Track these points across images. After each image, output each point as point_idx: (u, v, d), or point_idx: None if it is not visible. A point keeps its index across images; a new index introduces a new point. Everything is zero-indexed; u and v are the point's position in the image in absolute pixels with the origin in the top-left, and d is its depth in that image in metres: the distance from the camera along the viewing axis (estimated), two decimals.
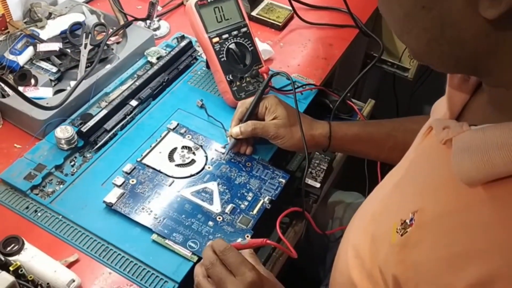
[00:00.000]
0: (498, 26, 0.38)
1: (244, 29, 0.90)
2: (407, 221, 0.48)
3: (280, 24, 1.10)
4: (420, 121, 0.80)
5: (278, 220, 0.71)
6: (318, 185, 0.86)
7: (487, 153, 0.40)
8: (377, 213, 0.57)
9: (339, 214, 0.96)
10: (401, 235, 0.48)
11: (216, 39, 0.87)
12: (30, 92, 0.85)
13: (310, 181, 0.86)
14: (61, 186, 0.76)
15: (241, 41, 0.89)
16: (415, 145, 0.58)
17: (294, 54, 1.05)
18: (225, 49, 0.87)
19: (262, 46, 0.99)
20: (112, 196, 0.73)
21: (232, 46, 0.87)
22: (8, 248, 0.65)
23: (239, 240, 0.71)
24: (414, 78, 1.39)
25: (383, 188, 0.62)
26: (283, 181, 0.81)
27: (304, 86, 0.96)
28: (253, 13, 1.11)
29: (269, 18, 1.11)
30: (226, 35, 0.88)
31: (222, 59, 0.87)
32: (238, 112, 0.82)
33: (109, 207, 0.73)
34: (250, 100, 0.82)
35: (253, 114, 0.81)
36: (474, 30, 0.39)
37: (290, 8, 1.11)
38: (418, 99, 1.84)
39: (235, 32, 0.88)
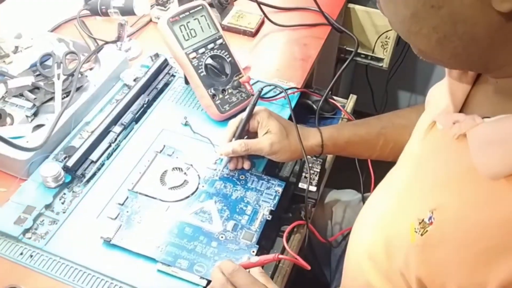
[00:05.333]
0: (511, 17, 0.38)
1: (219, 41, 0.88)
2: (426, 219, 0.47)
3: (252, 30, 1.09)
4: (406, 115, 0.81)
5: (285, 237, 0.70)
6: (314, 188, 0.85)
7: (510, 146, 0.40)
8: (388, 213, 0.56)
9: (338, 215, 0.96)
10: (421, 234, 0.47)
11: (193, 55, 0.85)
12: (7, 131, 0.82)
13: (305, 186, 0.85)
14: (54, 226, 0.73)
15: (218, 53, 0.88)
16: (418, 141, 0.57)
17: (271, 59, 1.04)
18: (203, 64, 0.86)
19: (239, 55, 0.97)
20: (109, 231, 0.71)
21: (210, 60, 0.86)
22: None
23: (245, 256, 0.70)
24: (388, 67, 1.40)
25: (389, 186, 0.61)
26: (280, 189, 0.80)
27: (287, 91, 0.94)
28: (224, 22, 1.10)
29: (241, 26, 1.10)
30: (203, 49, 0.86)
31: (202, 74, 0.86)
32: (229, 132, 0.79)
33: (108, 242, 0.70)
34: (239, 118, 0.80)
35: (243, 131, 0.79)
36: (487, 24, 0.39)
37: (260, 13, 1.10)
38: (393, 87, 1.86)
39: (211, 45, 0.87)
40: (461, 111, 0.51)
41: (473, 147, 0.44)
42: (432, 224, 0.47)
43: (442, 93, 0.53)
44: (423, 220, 0.48)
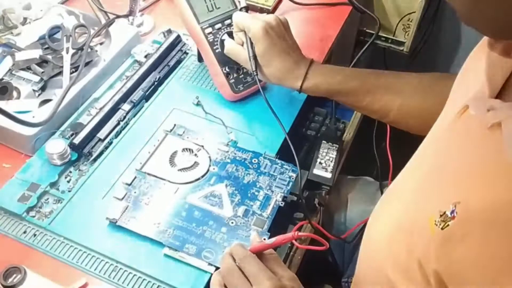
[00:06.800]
0: None
1: None
2: (448, 213, 0.44)
3: (270, 8, 1.04)
4: (409, 80, 0.77)
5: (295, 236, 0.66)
6: (329, 175, 0.81)
7: None
8: (409, 203, 0.52)
9: (354, 203, 0.92)
10: (441, 228, 0.44)
11: (208, 30, 0.81)
12: (13, 106, 0.79)
13: (320, 172, 0.82)
14: (59, 204, 0.71)
15: None
16: (446, 125, 0.52)
17: None
18: (219, 40, 0.82)
19: None
20: (115, 211, 0.68)
21: (226, 36, 0.82)
22: (10, 280, 0.61)
23: (252, 235, 0.66)
24: (409, 52, 1.35)
25: (411, 174, 0.57)
26: (294, 175, 0.76)
27: None
28: None
29: (258, 3, 1.05)
30: (219, 25, 0.82)
31: (217, 50, 0.82)
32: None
33: (113, 223, 0.68)
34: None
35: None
36: None
37: None
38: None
39: (228, 21, 0.83)
40: (498, 96, 0.46)
41: (507, 138, 0.40)
42: (454, 218, 0.43)
43: (477, 72, 0.48)
44: (444, 213, 0.44)
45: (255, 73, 0.76)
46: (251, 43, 0.76)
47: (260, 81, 0.78)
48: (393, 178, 0.86)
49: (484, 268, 0.40)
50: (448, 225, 0.43)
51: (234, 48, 0.79)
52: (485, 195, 0.41)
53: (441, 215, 0.44)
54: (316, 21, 1.05)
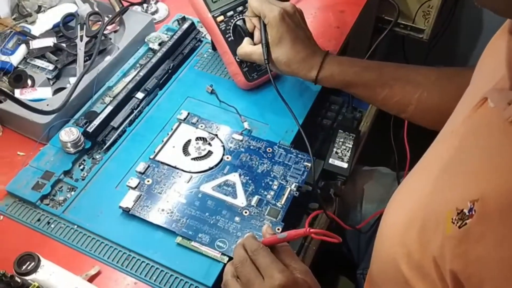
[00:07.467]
0: None
1: None
2: (465, 211, 0.42)
3: None
4: (427, 74, 0.75)
5: (307, 223, 0.65)
6: (345, 165, 0.80)
7: None
8: (425, 198, 0.50)
9: (370, 193, 0.90)
10: (459, 226, 0.42)
11: (220, 18, 0.80)
12: (28, 94, 0.79)
13: (336, 162, 0.80)
14: (73, 193, 0.71)
15: None
16: (463, 118, 0.50)
17: None
18: (231, 28, 0.80)
19: None
20: (128, 200, 0.68)
21: (239, 23, 0.80)
22: (24, 267, 0.60)
23: (264, 227, 0.64)
24: (428, 39, 1.32)
25: (426, 167, 0.55)
26: (309, 164, 0.75)
27: None
28: None
29: None
30: (231, 12, 0.81)
31: (230, 39, 0.80)
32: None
33: (126, 212, 0.67)
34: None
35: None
36: None
37: None
38: (432, 61, 1.76)
39: (240, 8, 0.81)
40: None
41: None
42: (472, 217, 0.41)
43: (496, 63, 0.46)
44: (462, 210, 0.42)
45: (266, 62, 0.75)
46: (265, 30, 0.74)
47: (271, 70, 0.76)
48: (410, 169, 0.85)
49: (503, 267, 0.39)
50: (466, 223, 0.41)
51: (246, 52, 0.78)
52: (502, 193, 0.39)
53: (458, 213, 0.42)
54: (333, 7, 1.02)
